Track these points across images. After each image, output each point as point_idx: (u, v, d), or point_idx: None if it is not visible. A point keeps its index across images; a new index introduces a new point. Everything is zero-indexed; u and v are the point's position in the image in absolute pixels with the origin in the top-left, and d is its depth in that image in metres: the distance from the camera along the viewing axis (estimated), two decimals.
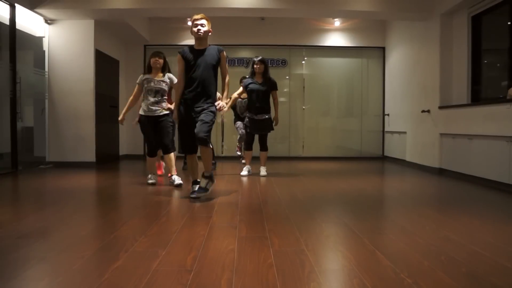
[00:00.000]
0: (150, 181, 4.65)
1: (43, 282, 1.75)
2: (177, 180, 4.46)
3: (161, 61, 4.54)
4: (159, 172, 5.36)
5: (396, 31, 7.73)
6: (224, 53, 3.79)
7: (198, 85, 3.63)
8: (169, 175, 4.61)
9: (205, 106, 3.63)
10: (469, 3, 5.39)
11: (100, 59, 6.85)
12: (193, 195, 3.65)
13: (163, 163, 5.48)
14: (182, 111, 3.69)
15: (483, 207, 3.57)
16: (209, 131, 3.56)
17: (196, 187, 3.71)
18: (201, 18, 3.68)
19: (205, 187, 3.66)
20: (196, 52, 3.69)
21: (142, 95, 4.60)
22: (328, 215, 3.21)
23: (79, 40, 6.50)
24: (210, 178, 3.68)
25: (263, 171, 5.46)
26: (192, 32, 3.71)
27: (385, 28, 8.25)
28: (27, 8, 5.86)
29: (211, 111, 3.62)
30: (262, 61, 5.36)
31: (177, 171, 4.65)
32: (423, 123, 6.34)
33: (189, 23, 7.92)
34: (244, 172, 5.47)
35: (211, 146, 3.77)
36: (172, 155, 4.63)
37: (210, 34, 3.77)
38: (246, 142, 5.54)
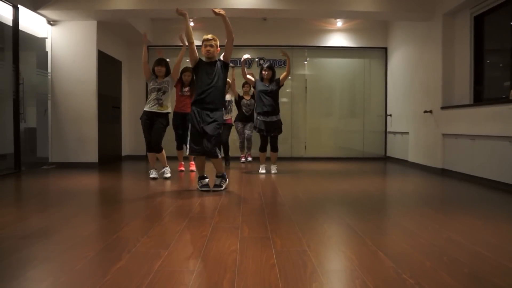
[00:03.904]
0: (151, 176, 5.06)
1: (46, 282, 1.75)
2: (167, 173, 5.10)
3: (164, 69, 5.02)
4: (181, 168, 5.95)
5: (398, 31, 7.73)
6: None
7: (212, 92, 4.03)
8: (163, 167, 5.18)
9: (214, 116, 4.04)
10: (471, 3, 5.37)
11: (103, 60, 6.87)
12: (203, 188, 4.15)
13: (182, 163, 6.07)
14: (194, 116, 4.05)
15: (485, 208, 3.55)
16: (216, 144, 4.05)
17: (206, 181, 4.20)
18: (211, 39, 4.08)
19: (219, 184, 4.20)
20: (209, 64, 4.12)
21: (148, 91, 5.18)
22: (331, 215, 3.21)
23: (81, 41, 6.52)
24: (222, 177, 4.23)
25: (273, 169, 5.73)
26: (202, 51, 4.12)
27: (387, 28, 8.24)
28: (30, 9, 5.88)
29: (218, 123, 4.07)
30: (270, 68, 5.58)
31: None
32: (426, 123, 6.33)
33: (192, 23, 8.01)
34: (262, 170, 5.73)
35: (220, 156, 4.24)
36: (163, 152, 5.13)
37: (218, 50, 4.18)
38: (261, 145, 5.74)
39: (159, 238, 2.43)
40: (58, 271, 1.90)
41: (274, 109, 5.50)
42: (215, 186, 4.20)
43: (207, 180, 4.22)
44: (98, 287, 1.69)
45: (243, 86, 6.99)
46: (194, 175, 5.39)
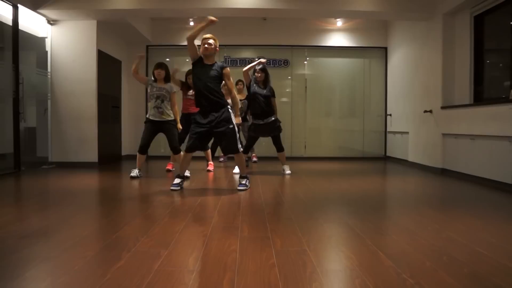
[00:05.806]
0: (131, 174, 5.13)
1: (46, 282, 1.75)
2: (186, 172, 4.96)
3: (163, 72, 5.06)
4: (169, 167, 5.95)
5: (398, 31, 7.72)
6: (228, 69, 4.18)
7: (205, 96, 4.05)
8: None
9: (222, 116, 4.08)
10: (471, 3, 5.37)
11: (103, 59, 6.87)
12: (173, 187, 4.16)
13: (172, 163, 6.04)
14: (197, 118, 4.14)
15: (485, 208, 3.55)
16: (236, 142, 4.14)
17: (177, 180, 4.22)
18: (210, 38, 4.12)
19: (245, 184, 4.29)
20: (204, 66, 4.11)
21: (147, 96, 5.24)
22: (330, 215, 3.21)
23: (81, 40, 6.52)
24: (246, 178, 4.35)
25: (287, 169, 5.66)
26: (201, 50, 4.13)
27: (387, 28, 8.24)
28: (30, 9, 5.88)
29: (229, 121, 4.11)
30: (262, 70, 5.48)
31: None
32: (426, 123, 6.33)
33: (192, 23, 8.01)
34: (236, 170, 5.59)
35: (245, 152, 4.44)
36: (181, 154, 5.11)
37: (217, 51, 4.18)
38: (246, 147, 5.58)
39: (159, 238, 2.43)
40: (58, 270, 1.90)
41: (269, 111, 5.45)
42: (241, 185, 4.26)
43: (182, 180, 4.27)
44: (98, 287, 1.68)
45: (236, 84, 6.81)
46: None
